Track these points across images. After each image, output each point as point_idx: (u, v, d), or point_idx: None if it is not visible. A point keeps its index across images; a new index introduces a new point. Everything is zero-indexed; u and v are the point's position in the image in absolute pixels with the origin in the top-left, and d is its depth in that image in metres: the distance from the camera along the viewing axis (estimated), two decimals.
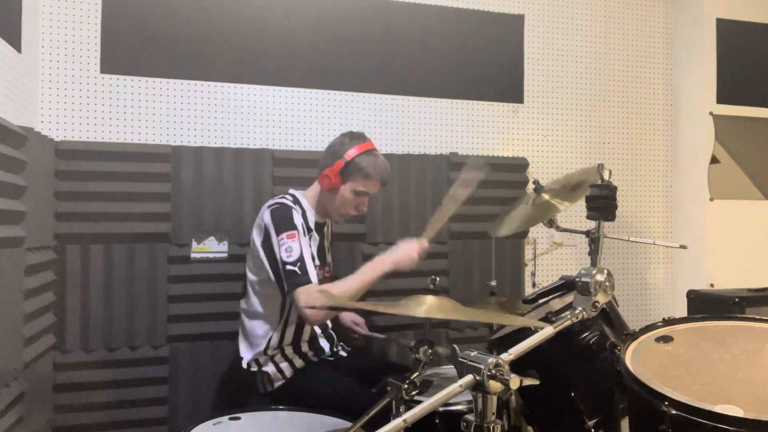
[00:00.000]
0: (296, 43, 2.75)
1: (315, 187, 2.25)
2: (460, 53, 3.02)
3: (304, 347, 2.19)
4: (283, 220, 2.09)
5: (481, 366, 1.10)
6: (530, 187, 2.61)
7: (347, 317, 2.49)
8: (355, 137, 2.22)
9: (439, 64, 2.98)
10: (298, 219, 2.11)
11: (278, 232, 2.07)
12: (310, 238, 2.20)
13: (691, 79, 3.33)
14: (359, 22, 2.85)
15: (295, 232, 2.06)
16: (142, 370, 2.46)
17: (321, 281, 2.26)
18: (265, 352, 2.14)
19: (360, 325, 2.49)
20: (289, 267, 2.02)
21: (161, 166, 2.49)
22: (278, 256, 2.04)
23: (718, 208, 3.22)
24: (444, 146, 2.99)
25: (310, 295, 1.98)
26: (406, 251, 2.10)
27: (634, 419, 1.48)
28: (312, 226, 2.23)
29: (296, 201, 2.22)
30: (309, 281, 2.00)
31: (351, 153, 2.16)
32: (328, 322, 2.31)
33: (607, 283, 1.32)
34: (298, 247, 2.04)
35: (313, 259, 2.12)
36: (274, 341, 2.15)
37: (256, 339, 2.16)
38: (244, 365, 2.18)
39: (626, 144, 3.35)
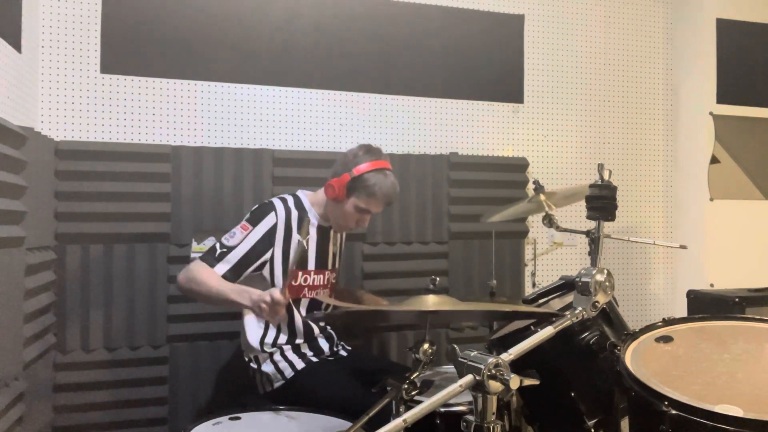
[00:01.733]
0: (296, 43, 2.76)
1: (321, 193, 2.23)
2: (460, 53, 3.01)
3: (304, 347, 2.19)
4: (255, 213, 2.14)
5: (481, 366, 1.10)
6: (530, 187, 2.62)
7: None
8: (370, 152, 2.16)
9: (440, 64, 2.98)
10: (269, 222, 2.11)
11: (245, 219, 2.13)
12: (307, 241, 2.19)
13: (691, 79, 3.33)
14: (359, 22, 2.85)
15: (250, 227, 2.09)
16: (142, 370, 2.46)
17: (325, 286, 2.25)
18: (262, 349, 2.14)
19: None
20: (217, 244, 2.08)
21: (161, 166, 2.49)
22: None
23: (718, 208, 3.22)
24: (444, 146, 2.99)
25: (195, 269, 2.03)
26: (265, 293, 1.90)
27: (634, 419, 1.48)
28: (313, 229, 2.22)
29: (298, 203, 2.21)
30: (211, 264, 2.03)
31: (361, 168, 2.11)
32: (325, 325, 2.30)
33: (607, 283, 1.32)
34: (240, 239, 2.07)
35: (297, 265, 2.12)
36: (269, 339, 2.15)
37: (254, 336, 2.16)
38: (246, 359, 2.19)
39: (626, 144, 3.35)
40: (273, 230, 2.12)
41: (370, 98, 2.88)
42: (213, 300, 2.06)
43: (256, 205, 2.19)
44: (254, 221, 2.11)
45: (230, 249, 2.06)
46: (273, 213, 2.13)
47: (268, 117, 2.73)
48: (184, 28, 2.60)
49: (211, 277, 2.02)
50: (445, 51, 2.99)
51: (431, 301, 1.49)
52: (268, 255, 2.11)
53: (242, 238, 2.08)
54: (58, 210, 2.35)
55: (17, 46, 2.10)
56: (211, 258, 2.05)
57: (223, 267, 2.04)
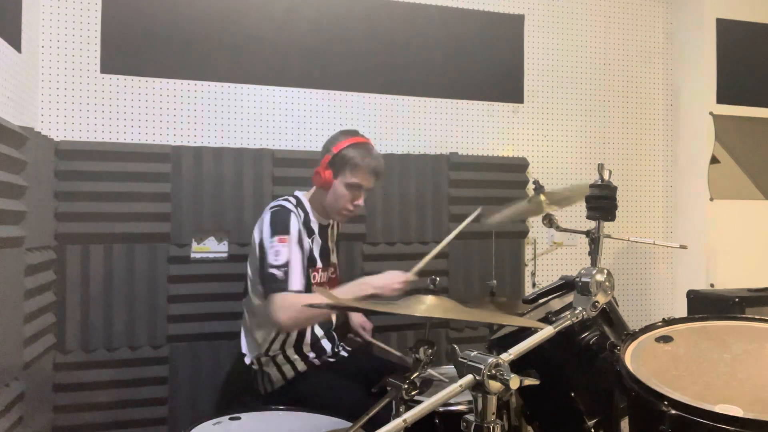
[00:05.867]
0: (296, 43, 2.75)
1: (312, 188, 2.25)
2: (460, 53, 3.01)
3: (306, 348, 2.19)
4: (279, 224, 2.08)
5: (481, 366, 1.10)
6: (530, 187, 2.62)
7: (357, 319, 2.50)
8: (346, 133, 2.22)
9: (440, 64, 2.98)
10: (295, 224, 2.10)
11: (272, 234, 2.06)
12: (312, 240, 2.20)
13: (691, 79, 3.33)
14: (359, 22, 2.85)
15: (287, 237, 2.05)
16: (142, 370, 2.46)
17: (326, 282, 2.26)
18: (266, 353, 2.14)
19: (367, 330, 2.50)
20: (272, 270, 2.01)
21: (161, 166, 2.49)
22: (267, 259, 2.03)
23: (718, 208, 3.22)
24: (444, 146, 2.99)
25: (285, 301, 1.96)
26: (389, 280, 2.03)
27: (634, 419, 1.48)
28: (315, 228, 2.23)
29: (299, 203, 2.22)
30: (286, 288, 1.98)
31: (339, 146, 2.16)
32: (333, 321, 2.31)
33: (607, 283, 1.32)
34: (287, 252, 2.02)
35: (308, 265, 2.12)
36: (277, 343, 2.15)
37: (258, 339, 2.16)
38: (247, 362, 2.19)
39: (626, 144, 3.35)
40: (299, 229, 2.12)
41: (370, 98, 2.88)
42: (339, 311, 2.05)
43: (272, 216, 2.11)
44: (285, 229, 2.07)
45: (287, 265, 2.01)
46: (293, 214, 2.12)
47: (268, 117, 2.73)
48: (184, 28, 2.60)
49: (310, 299, 1.97)
50: (445, 51, 2.99)
51: (431, 302, 1.49)
52: (307, 247, 2.12)
53: (288, 249, 2.03)
54: (58, 210, 2.35)
55: (17, 46, 2.10)
56: (283, 284, 1.99)
57: (296, 283, 2.00)
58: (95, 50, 2.50)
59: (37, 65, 2.42)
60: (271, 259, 2.02)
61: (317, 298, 1.96)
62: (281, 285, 1.99)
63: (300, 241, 2.10)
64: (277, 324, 1.99)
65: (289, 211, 2.13)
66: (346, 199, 2.17)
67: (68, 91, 2.47)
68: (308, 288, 2.06)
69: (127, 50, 2.54)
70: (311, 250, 2.19)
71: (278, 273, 2.00)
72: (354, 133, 2.23)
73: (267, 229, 2.08)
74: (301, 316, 1.97)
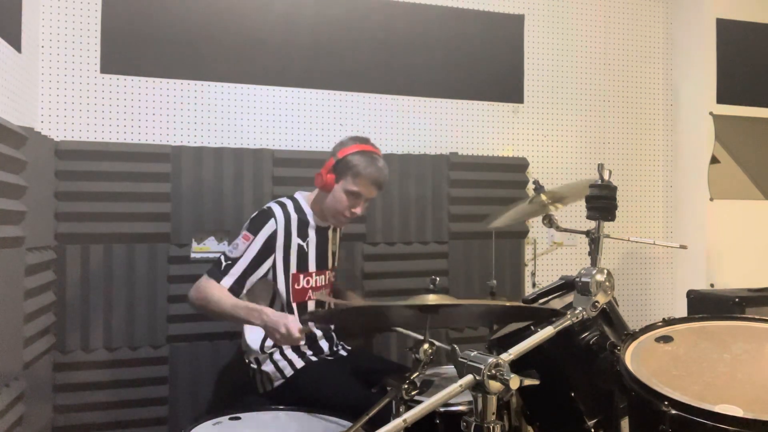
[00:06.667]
0: (296, 43, 2.75)
1: (316, 189, 2.25)
2: (460, 53, 3.01)
3: (304, 347, 2.19)
4: (254, 221, 2.14)
5: (481, 366, 1.10)
6: (530, 187, 2.61)
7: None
8: (355, 139, 2.21)
9: (439, 64, 2.98)
10: (268, 229, 2.11)
11: (245, 228, 2.14)
12: (306, 243, 2.19)
13: (691, 79, 3.33)
14: (359, 22, 2.85)
15: (252, 236, 2.10)
16: (142, 370, 2.46)
17: (327, 286, 2.26)
18: (262, 350, 2.14)
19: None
20: (222, 256, 2.09)
21: (161, 166, 2.49)
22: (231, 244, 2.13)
23: (718, 208, 3.22)
24: (444, 146, 2.99)
25: (205, 287, 2.04)
26: (280, 322, 1.90)
27: (634, 419, 1.48)
28: (312, 229, 2.22)
29: (297, 205, 2.21)
30: (217, 278, 2.04)
31: (344, 151, 2.14)
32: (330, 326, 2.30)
33: (607, 283, 1.32)
34: (243, 250, 2.08)
35: (299, 270, 2.14)
36: (270, 342, 2.14)
37: (254, 337, 2.16)
38: (246, 360, 2.20)
39: (626, 144, 3.35)
40: (273, 237, 2.12)
41: (370, 98, 2.88)
42: (225, 318, 2.09)
43: (256, 213, 2.19)
44: (255, 230, 2.11)
45: (235, 261, 2.07)
46: (272, 220, 2.13)
47: (268, 117, 2.73)
48: (183, 28, 2.60)
49: (221, 295, 2.03)
50: (445, 51, 2.99)
51: (432, 300, 1.49)
52: (270, 261, 2.12)
53: (245, 249, 2.08)
54: (58, 210, 2.35)
55: (17, 46, 2.10)
56: (218, 272, 2.06)
57: (229, 280, 2.05)
58: (95, 50, 2.50)
59: (37, 65, 2.42)
60: (229, 247, 2.11)
61: (224, 298, 2.02)
62: (216, 271, 2.06)
63: (267, 247, 2.10)
64: (188, 296, 2.08)
65: (271, 215, 2.14)
66: (344, 205, 2.16)
67: (68, 91, 2.47)
68: (239, 291, 2.07)
69: (127, 50, 2.54)
70: (305, 253, 2.19)
71: (224, 262, 2.07)
72: (363, 140, 2.20)
73: (246, 222, 2.17)
74: (206, 305, 2.04)
